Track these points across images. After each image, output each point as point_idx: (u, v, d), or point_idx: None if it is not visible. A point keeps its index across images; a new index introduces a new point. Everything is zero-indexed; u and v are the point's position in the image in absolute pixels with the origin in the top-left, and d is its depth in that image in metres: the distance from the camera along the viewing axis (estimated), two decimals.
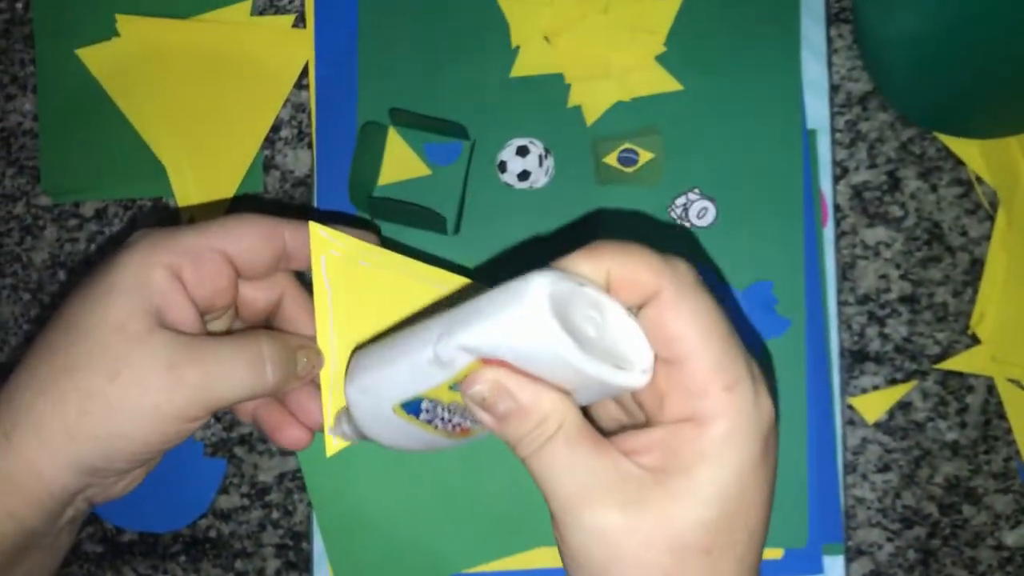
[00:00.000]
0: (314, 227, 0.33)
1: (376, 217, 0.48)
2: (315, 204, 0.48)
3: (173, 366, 0.29)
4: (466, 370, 0.27)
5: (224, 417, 0.49)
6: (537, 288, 0.25)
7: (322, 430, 0.33)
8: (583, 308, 0.26)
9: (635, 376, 0.27)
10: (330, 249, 0.33)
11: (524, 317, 0.25)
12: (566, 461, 0.27)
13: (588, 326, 0.26)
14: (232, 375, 0.30)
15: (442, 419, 0.30)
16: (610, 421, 0.32)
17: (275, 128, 0.50)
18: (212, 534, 0.49)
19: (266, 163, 0.50)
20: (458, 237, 0.48)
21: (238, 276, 0.33)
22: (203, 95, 0.50)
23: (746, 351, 0.27)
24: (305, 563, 0.48)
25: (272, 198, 0.49)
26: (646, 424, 0.28)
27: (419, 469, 0.46)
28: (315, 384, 0.33)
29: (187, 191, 0.49)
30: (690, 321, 0.26)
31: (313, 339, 0.33)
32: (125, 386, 0.28)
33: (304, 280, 0.36)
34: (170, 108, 0.49)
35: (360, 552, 0.47)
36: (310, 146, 0.50)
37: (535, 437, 0.27)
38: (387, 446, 0.32)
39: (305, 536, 0.48)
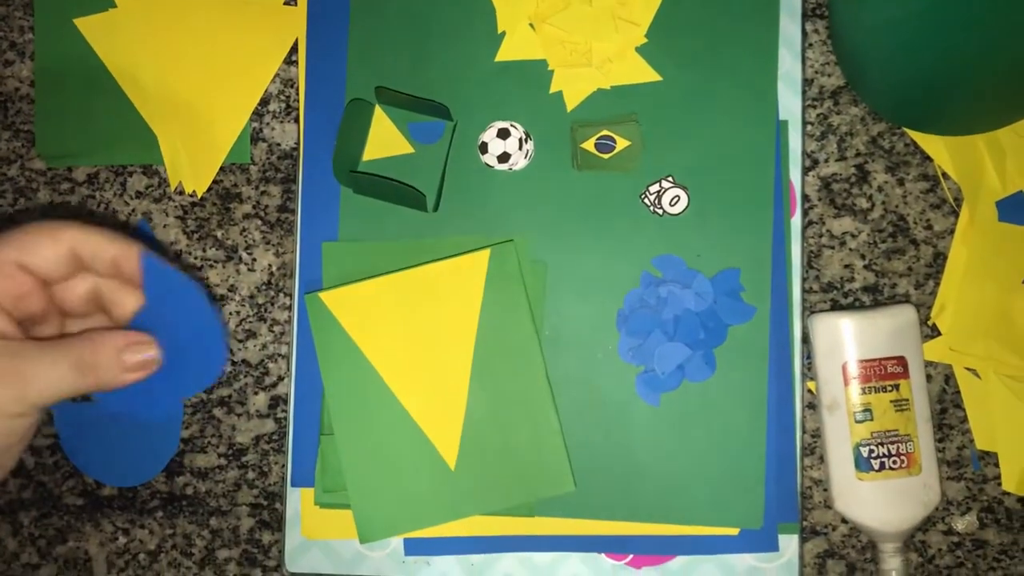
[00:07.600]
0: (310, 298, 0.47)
1: (358, 192, 0.49)
2: (300, 176, 0.50)
3: None
4: None
5: None
6: None
7: None
8: None
9: None
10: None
11: None
12: None
13: None
14: (50, 376, 0.33)
15: None
16: None
17: (264, 101, 0.51)
18: (189, 491, 0.50)
19: (254, 135, 0.51)
20: (437, 215, 0.49)
21: (45, 282, 0.35)
22: (195, 67, 0.51)
23: None
24: (278, 523, 0.50)
25: (258, 168, 0.51)
26: None
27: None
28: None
29: (177, 159, 0.51)
30: None
31: (144, 336, 0.35)
32: None
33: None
34: (163, 79, 0.51)
35: (378, 490, 0.47)
36: (297, 120, 0.51)
37: None
38: None
39: (279, 497, 0.50)
